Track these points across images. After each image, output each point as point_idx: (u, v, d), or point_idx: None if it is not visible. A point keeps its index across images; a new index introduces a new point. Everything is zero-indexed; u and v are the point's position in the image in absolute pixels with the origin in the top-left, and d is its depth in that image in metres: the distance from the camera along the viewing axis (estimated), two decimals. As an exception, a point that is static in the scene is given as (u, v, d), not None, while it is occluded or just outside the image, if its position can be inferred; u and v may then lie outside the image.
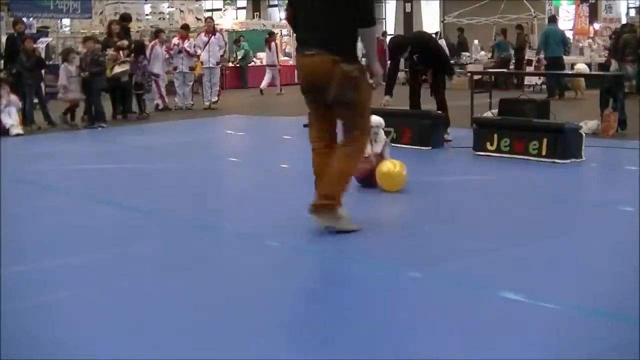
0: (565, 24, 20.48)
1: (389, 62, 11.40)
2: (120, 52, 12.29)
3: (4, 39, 14.00)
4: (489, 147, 7.51)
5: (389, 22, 29.08)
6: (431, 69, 8.70)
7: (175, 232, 4.88)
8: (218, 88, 14.68)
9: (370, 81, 4.58)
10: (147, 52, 13.58)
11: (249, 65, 21.60)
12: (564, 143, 7.06)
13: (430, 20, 26.27)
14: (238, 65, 21.40)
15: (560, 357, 2.81)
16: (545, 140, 7.09)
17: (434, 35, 12.18)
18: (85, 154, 9.07)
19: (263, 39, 19.74)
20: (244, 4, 33.09)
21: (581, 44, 18.55)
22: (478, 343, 2.91)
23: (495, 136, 7.47)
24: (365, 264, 4.06)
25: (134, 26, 17.17)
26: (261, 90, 18.23)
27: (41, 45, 14.67)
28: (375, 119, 6.11)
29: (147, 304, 3.47)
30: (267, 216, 5.16)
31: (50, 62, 15.62)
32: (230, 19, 27.03)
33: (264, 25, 23.72)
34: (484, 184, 6.32)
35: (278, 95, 17.56)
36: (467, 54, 20.91)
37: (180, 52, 14.33)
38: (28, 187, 6.62)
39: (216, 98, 14.47)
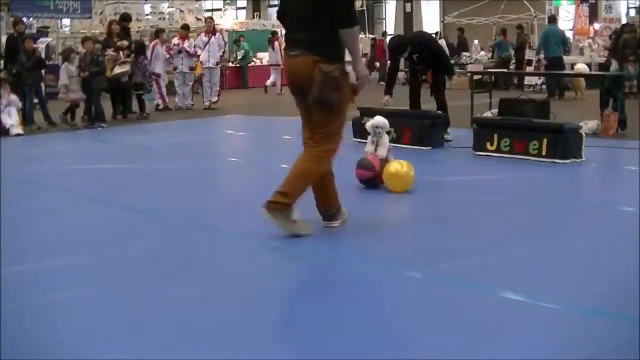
0: (565, 24, 20.49)
1: (388, 62, 11.42)
2: (120, 52, 12.29)
3: (4, 39, 14.00)
4: (489, 147, 7.52)
5: (389, 22, 29.10)
6: (431, 69, 8.71)
7: (175, 232, 4.88)
8: (218, 88, 14.68)
9: (356, 82, 4.53)
10: (149, 52, 13.60)
11: (249, 65, 21.61)
12: (564, 143, 7.06)
13: (430, 20, 26.29)
14: (238, 65, 21.41)
15: (560, 357, 2.81)
16: (545, 140, 7.09)
17: (434, 35, 12.18)
18: (85, 154, 9.07)
19: (263, 39, 19.74)
20: (244, 4, 33.12)
21: (581, 44, 18.56)
22: (478, 343, 2.91)
23: (495, 136, 7.47)
24: (365, 264, 4.06)
25: (134, 26, 17.17)
26: (266, 89, 18.27)
27: (41, 45, 14.67)
28: (380, 120, 6.10)
29: (147, 303, 3.47)
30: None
31: (50, 62, 15.63)
32: (230, 19, 27.06)
33: (264, 25, 23.74)
34: (483, 184, 6.33)
35: (278, 95, 17.57)
36: (467, 54, 20.91)
37: (180, 52, 14.33)
38: (28, 187, 6.62)
39: (216, 98, 14.47)
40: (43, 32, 17.52)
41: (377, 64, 22.30)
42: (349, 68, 4.49)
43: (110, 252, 4.35)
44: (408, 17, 27.10)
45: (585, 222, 5.05)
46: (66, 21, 21.11)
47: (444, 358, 2.79)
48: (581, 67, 15.45)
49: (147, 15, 21.45)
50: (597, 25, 19.95)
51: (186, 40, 14.52)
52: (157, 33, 14.71)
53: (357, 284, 3.74)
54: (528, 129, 7.36)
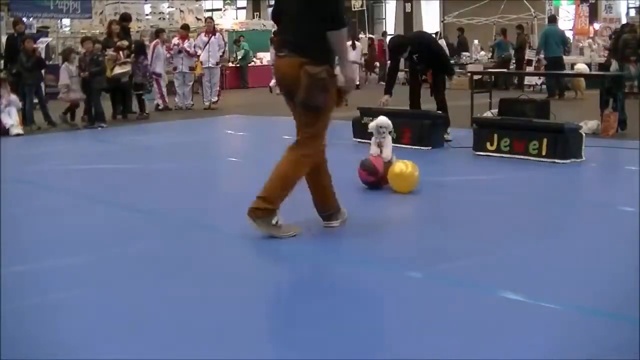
0: (565, 24, 20.50)
1: (388, 62, 11.42)
2: (120, 52, 12.28)
3: (4, 39, 14.00)
4: (489, 147, 7.52)
5: (389, 22, 29.12)
6: (431, 69, 8.71)
7: (175, 232, 4.88)
8: (218, 88, 14.68)
9: (342, 86, 4.50)
10: (150, 51, 13.60)
11: (249, 65, 21.61)
12: (564, 143, 7.06)
13: (430, 20, 26.31)
14: (238, 65, 21.41)
15: (560, 357, 2.81)
16: (545, 140, 7.10)
17: (433, 35, 12.18)
18: (85, 154, 9.07)
19: (263, 39, 19.73)
20: (244, 4, 33.13)
21: (581, 44, 18.56)
22: (478, 343, 2.91)
23: (495, 136, 7.47)
24: (365, 264, 4.06)
25: (134, 26, 17.17)
26: (270, 89, 18.27)
27: (41, 45, 14.67)
28: (384, 120, 6.05)
29: (147, 303, 3.47)
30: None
31: (50, 62, 15.63)
32: (230, 19, 27.07)
33: (264, 25, 23.73)
34: (483, 184, 6.33)
35: (278, 95, 17.56)
36: (467, 54, 20.92)
37: (180, 52, 14.33)
38: (28, 187, 6.62)
39: (216, 98, 14.47)
40: (43, 32, 17.53)
41: (377, 63, 22.31)
42: (337, 71, 4.46)
43: (110, 252, 4.35)
44: (408, 17, 27.11)
45: (585, 222, 5.05)
46: (66, 21, 21.11)
47: (444, 358, 2.79)
48: (581, 67, 15.45)
49: (147, 15, 21.45)
50: (597, 25, 19.96)
51: (186, 40, 14.52)
52: (158, 33, 14.71)
53: (357, 284, 3.74)
54: (528, 129, 7.37)
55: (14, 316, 3.29)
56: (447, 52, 14.37)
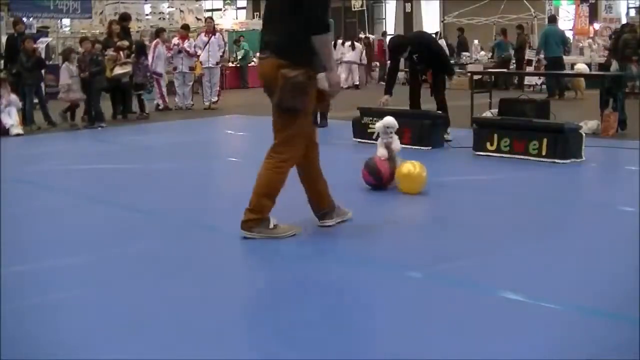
0: (565, 24, 20.49)
1: (388, 62, 11.42)
2: (121, 52, 12.28)
3: (4, 39, 14.00)
4: (489, 147, 7.52)
5: (389, 22, 29.11)
6: (431, 69, 8.71)
7: (175, 232, 4.88)
8: (218, 88, 14.68)
9: (328, 90, 4.50)
10: (150, 51, 13.60)
11: (249, 65, 21.59)
12: (564, 143, 7.06)
13: (430, 20, 26.30)
14: (238, 65, 21.41)
15: (560, 357, 2.81)
16: (545, 140, 7.10)
17: (433, 35, 12.18)
18: (85, 154, 9.07)
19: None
20: (244, 4, 33.12)
21: (581, 44, 18.56)
22: (478, 343, 2.91)
23: (495, 136, 7.47)
24: (365, 264, 4.06)
25: (134, 26, 17.17)
26: None
27: (41, 45, 14.67)
28: (390, 120, 5.99)
29: (147, 303, 3.47)
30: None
31: (50, 62, 15.63)
32: (230, 19, 27.06)
33: (264, 26, 23.67)
34: (483, 184, 6.33)
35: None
36: (467, 54, 20.92)
37: (180, 52, 14.33)
38: (28, 187, 6.62)
39: (216, 98, 14.47)
40: (43, 32, 17.52)
41: (377, 63, 22.31)
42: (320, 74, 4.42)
43: (110, 252, 4.35)
44: (408, 17, 27.10)
45: (585, 222, 5.05)
46: (66, 21, 21.09)
47: (444, 358, 2.79)
48: (581, 67, 15.45)
49: (147, 15, 21.43)
50: (597, 25, 19.95)
51: (186, 40, 14.52)
52: (158, 33, 14.69)
53: (357, 284, 3.74)
54: (528, 129, 7.37)
55: (14, 316, 3.29)
56: (447, 52, 14.38)
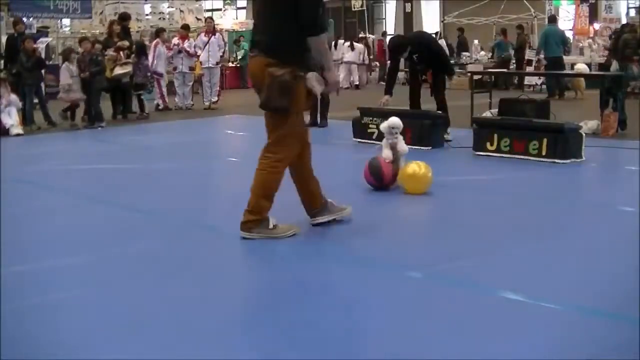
0: (565, 24, 20.49)
1: (388, 62, 11.42)
2: (121, 52, 12.28)
3: (4, 39, 14.00)
4: (489, 147, 7.52)
5: (389, 22, 29.10)
6: (431, 69, 8.71)
7: (175, 232, 4.88)
8: (218, 88, 14.68)
9: (326, 90, 4.54)
10: (151, 51, 13.61)
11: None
12: (564, 143, 7.06)
13: (430, 20, 26.29)
14: (238, 65, 21.40)
15: (560, 357, 2.81)
16: (545, 140, 7.10)
17: (433, 35, 12.18)
18: (85, 154, 9.07)
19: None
20: (244, 4, 33.09)
21: (581, 44, 18.56)
22: (478, 343, 2.91)
23: (495, 136, 7.47)
24: (365, 264, 4.06)
25: (134, 26, 17.16)
26: None
27: (41, 45, 14.66)
28: (396, 121, 5.93)
29: (147, 303, 3.47)
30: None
31: (50, 62, 15.63)
32: (230, 19, 27.04)
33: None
34: (483, 184, 6.32)
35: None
36: (467, 54, 20.92)
37: (180, 52, 14.33)
38: (28, 187, 6.62)
39: (216, 98, 14.47)
40: (43, 32, 17.51)
41: (377, 63, 22.31)
42: (310, 74, 4.41)
43: (110, 252, 4.35)
44: (408, 17, 27.09)
45: (585, 222, 5.05)
46: (66, 21, 21.08)
47: (444, 358, 2.79)
48: (581, 67, 15.45)
49: (147, 15, 21.42)
50: (597, 25, 19.95)
51: (186, 40, 14.52)
52: (158, 32, 14.70)
53: (357, 284, 3.73)
54: (528, 129, 7.36)
55: (14, 316, 3.29)
56: (447, 52, 14.38)
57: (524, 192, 5.94)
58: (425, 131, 8.16)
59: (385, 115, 8.44)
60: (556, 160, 6.99)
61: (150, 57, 13.49)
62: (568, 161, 7.01)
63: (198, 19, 20.82)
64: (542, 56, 14.87)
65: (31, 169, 7.70)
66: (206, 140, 10.24)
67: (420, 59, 8.61)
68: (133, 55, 12.59)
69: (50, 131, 11.13)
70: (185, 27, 15.36)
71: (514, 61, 18.11)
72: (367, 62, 21.10)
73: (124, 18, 13.91)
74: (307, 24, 4.30)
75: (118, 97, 12.64)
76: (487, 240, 4.47)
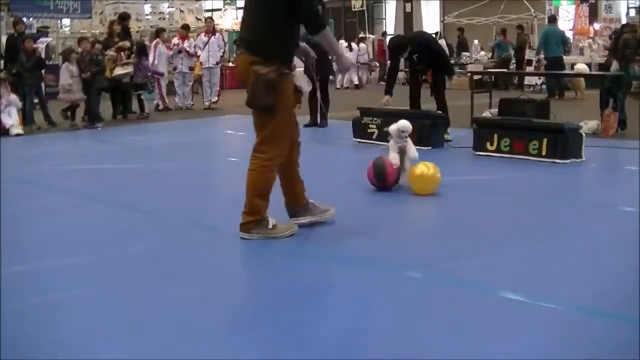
0: (565, 24, 20.49)
1: (388, 62, 11.42)
2: (122, 53, 12.27)
3: (4, 39, 14.00)
4: (489, 147, 7.52)
5: (389, 22, 29.09)
6: (431, 69, 8.71)
7: (175, 232, 4.88)
8: (218, 88, 14.68)
9: (339, 69, 4.66)
10: (152, 51, 13.61)
11: (249, 65, 21.56)
12: (564, 143, 7.06)
13: (430, 20, 26.28)
14: (238, 65, 21.37)
15: (560, 357, 2.81)
16: (545, 140, 7.10)
17: (433, 35, 12.18)
18: (85, 154, 9.07)
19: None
20: (244, 4, 33.08)
21: (581, 44, 18.56)
22: (478, 343, 2.91)
23: (495, 136, 7.47)
24: (365, 264, 4.06)
25: (134, 26, 17.16)
26: None
27: (41, 45, 14.66)
28: (406, 124, 5.90)
29: (147, 303, 3.47)
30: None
31: (50, 62, 15.63)
32: (230, 19, 27.00)
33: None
34: (483, 184, 6.32)
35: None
36: (467, 54, 20.92)
37: (180, 52, 14.33)
38: (28, 187, 6.62)
39: (216, 98, 14.47)
40: (43, 32, 17.52)
41: (377, 63, 22.31)
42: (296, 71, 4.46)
43: (110, 252, 4.35)
44: (408, 17, 27.08)
45: (585, 222, 5.05)
46: (66, 21, 21.09)
47: (444, 358, 2.79)
48: (581, 67, 15.45)
49: (147, 15, 21.42)
50: (597, 25, 19.95)
51: (186, 40, 14.52)
52: (158, 33, 14.70)
53: (357, 284, 3.73)
54: (528, 129, 7.36)
55: (14, 316, 3.29)
56: (447, 52, 14.37)
57: (524, 192, 5.94)
58: (425, 131, 8.15)
59: (385, 115, 8.48)
60: (556, 160, 6.99)
61: (151, 57, 13.50)
62: (568, 161, 7.01)
63: (198, 19, 20.82)
64: (542, 56, 14.87)
65: (31, 169, 7.70)
66: (206, 140, 10.24)
67: (420, 59, 8.61)
68: (133, 56, 12.60)
69: (50, 131, 11.13)
70: (185, 27, 15.36)
71: (514, 61, 18.11)
72: (361, 61, 21.09)
73: (124, 18, 13.91)
74: (309, 23, 4.34)
75: (118, 97, 12.64)
76: (487, 240, 4.47)
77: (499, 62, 18.65)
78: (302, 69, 5.31)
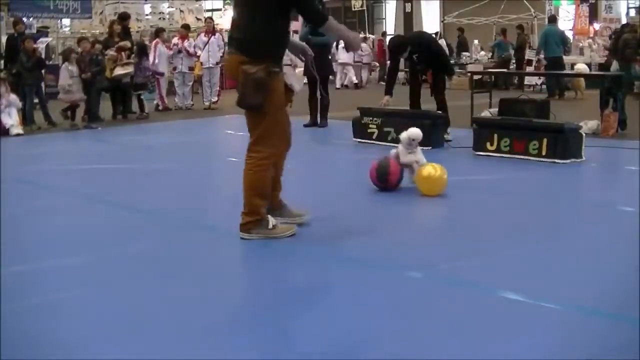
0: (565, 24, 20.49)
1: (388, 62, 11.41)
2: (122, 53, 12.27)
3: (4, 39, 14.00)
4: (489, 147, 7.52)
5: (389, 22, 29.10)
6: (431, 69, 8.71)
7: (175, 232, 4.88)
8: (218, 88, 14.67)
9: (350, 48, 4.78)
10: (152, 51, 13.61)
11: (249, 65, 21.54)
12: (564, 143, 7.06)
13: (430, 20, 26.28)
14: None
15: (560, 357, 2.81)
16: (545, 140, 7.09)
17: (433, 35, 12.18)
18: (85, 154, 9.07)
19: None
20: (244, 4, 33.05)
21: (581, 44, 18.55)
22: (478, 343, 2.91)
23: (495, 136, 7.47)
24: (365, 264, 4.06)
25: (134, 26, 17.15)
26: None
27: (41, 45, 14.67)
28: (416, 132, 5.90)
29: (147, 303, 3.47)
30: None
31: (50, 62, 15.62)
32: (230, 19, 26.99)
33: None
34: (483, 184, 6.32)
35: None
36: (467, 54, 20.92)
37: (180, 52, 14.33)
38: (28, 187, 6.62)
39: (216, 98, 14.46)
40: (43, 32, 17.52)
41: (377, 63, 22.31)
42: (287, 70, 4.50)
43: (110, 252, 4.35)
44: (408, 17, 27.09)
45: (585, 222, 5.05)
46: (66, 21, 21.08)
47: (444, 358, 2.79)
48: (581, 67, 15.44)
49: (147, 15, 21.42)
50: (597, 25, 19.95)
51: (186, 40, 14.52)
52: (158, 33, 14.70)
53: (357, 284, 3.73)
54: (528, 129, 7.36)
55: (14, 316, 3.29)
56: (447, 51, 14.37)
57: (524, 192, 5.94)
58: (425, 131, 8.04)
59: (385, 115, 8.49)
60: (556, 160, 6.99)
61: (151, 57, 13.50)
62: (568, 161, 7.01)
63: (198, 19, 20.81)
64: (542, 56, 14.86)
65: (31, 169, 7.70)
66: (206, 140, 10.23)
67: (420, 59, 8.61)
68: (133, 56, 12.60)
69: (50, 131, 11.13)
70: (185, 27, 15.35)
71: (514, 61, 18.11)
72: (364, 61, 21.09)
73: (124, 18, 13.90)
74: (312, 18, 4.45)
75: (118, 97, 12.64)
76: (487, 240, 4.47)
77: (499, 62, 18.65)
78: (302, 68, 5.33)
